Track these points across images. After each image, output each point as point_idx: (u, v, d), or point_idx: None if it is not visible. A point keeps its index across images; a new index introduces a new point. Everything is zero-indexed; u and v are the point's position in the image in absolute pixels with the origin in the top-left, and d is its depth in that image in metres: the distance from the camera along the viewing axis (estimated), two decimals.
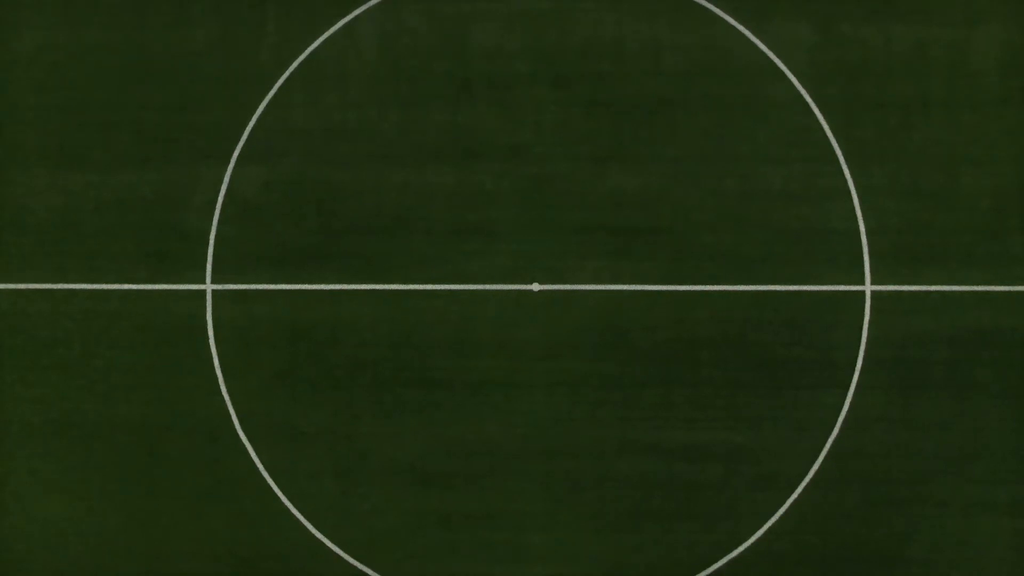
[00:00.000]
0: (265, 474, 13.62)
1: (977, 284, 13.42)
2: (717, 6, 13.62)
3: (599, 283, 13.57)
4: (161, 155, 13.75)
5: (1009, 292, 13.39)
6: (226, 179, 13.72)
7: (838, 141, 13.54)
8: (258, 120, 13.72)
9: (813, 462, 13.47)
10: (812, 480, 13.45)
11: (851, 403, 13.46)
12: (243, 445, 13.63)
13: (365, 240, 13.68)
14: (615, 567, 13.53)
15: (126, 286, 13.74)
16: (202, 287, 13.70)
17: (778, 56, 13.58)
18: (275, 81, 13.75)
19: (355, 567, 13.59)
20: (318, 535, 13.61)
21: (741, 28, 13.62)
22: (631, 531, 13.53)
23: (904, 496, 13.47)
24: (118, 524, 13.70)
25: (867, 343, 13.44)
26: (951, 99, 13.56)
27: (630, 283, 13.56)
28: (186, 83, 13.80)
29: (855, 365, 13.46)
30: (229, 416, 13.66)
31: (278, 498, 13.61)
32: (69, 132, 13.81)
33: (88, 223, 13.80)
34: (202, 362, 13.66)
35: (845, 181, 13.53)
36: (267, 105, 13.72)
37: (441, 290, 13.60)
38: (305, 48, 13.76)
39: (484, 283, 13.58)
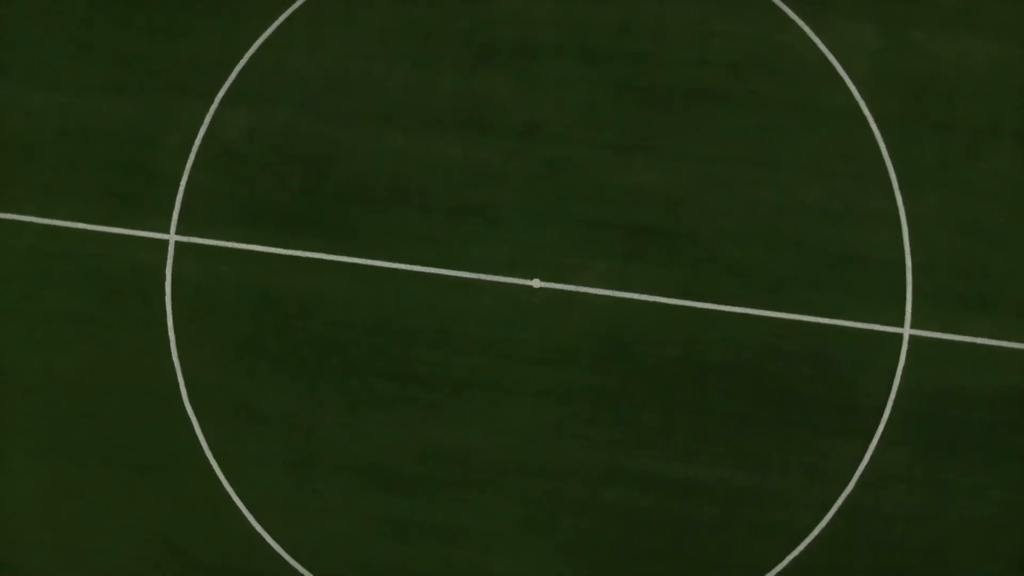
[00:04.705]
0: (209, 454, 13.58)
1: None
2: None
3: (606, 287, 13.30)
4: (138, 85, 13.72)
5: None
6: (207, 120, 13.67)
7: (893, 161, 13.26)
8: (250, 59, 13.66)
9: (822, 516, 13.23)
10: (818, 536, 13.21)
11: (872, 456, 13.19)
12: (188, 418, 13.58)
13: (353, 207, 13.52)
14: None
15: (81, 225, 13.67)
16: (165, 236, 13.63)
17: (837, 59, 13.31)
18: (275, 18, 13.67)
19: (295, 570, 13.52)
20: (259, 530, 13.56)
21: (800, 22, 13.35)
22: (609, 567, 13.37)
23: (920, 567, 13.23)
24: (39, 488, 13.70)
25: (898, 392, 13.15)
26: None
27: (640, 291, 13.30)
28: (175, 7, 13.77)
29: (882, 414, 13.20)
30: (177, 384, 13.63)
31: (220, 483, 13.59)
32: (38, 46, 13.78)
33: (47, 150, 13.80)
34: (154, 320, 13.58)
35: (895, 206, 13.24)
36: (263, 44, 13.66)
37: (431, 273, 13.41)
38: None
39: (480, 272, 13.41)
